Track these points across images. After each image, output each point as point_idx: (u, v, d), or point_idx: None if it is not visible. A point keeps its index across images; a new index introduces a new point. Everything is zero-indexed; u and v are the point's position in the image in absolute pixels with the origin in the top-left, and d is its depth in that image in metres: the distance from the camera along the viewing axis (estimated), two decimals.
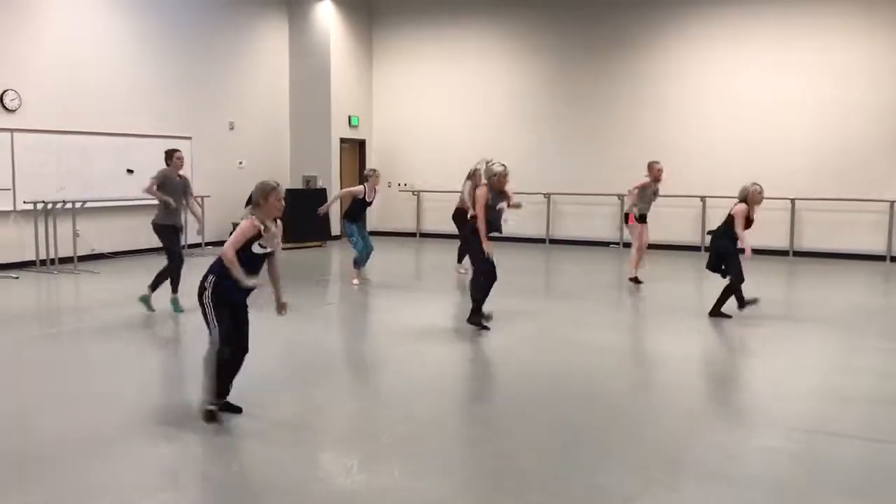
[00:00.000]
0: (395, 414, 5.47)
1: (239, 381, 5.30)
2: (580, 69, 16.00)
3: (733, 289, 8.78)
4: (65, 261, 12.30)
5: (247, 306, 5.33)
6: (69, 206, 12.20)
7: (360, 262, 11.05)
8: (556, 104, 16.29)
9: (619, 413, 5.56)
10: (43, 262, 12.16)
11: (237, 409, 5.24)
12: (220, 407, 5.14)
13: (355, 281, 10.97)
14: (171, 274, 8.82)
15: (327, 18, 16.97)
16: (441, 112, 17.38)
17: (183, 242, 9.30)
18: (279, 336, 7.71)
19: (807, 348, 7.76)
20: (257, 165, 16.44)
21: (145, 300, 8.77)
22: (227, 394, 5.22)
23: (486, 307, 8.07)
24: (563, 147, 16.26)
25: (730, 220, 8.81)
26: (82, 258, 12.59)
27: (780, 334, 8.36)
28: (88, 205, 12.60)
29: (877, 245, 13.79)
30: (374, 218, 18.39)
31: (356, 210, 10.99)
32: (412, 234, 17.80)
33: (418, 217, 17.82)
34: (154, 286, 8.81)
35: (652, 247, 14.87)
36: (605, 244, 15.65)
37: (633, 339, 8.01)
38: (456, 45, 17.16)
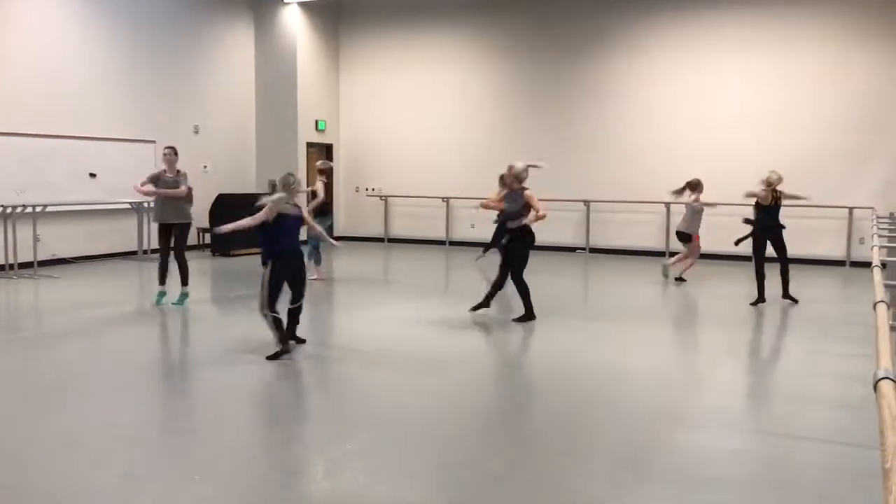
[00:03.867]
0: (362, 418, 5.43)
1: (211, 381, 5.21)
2: (547, 74, 16.09)
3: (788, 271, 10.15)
4: (24, 266, 12.07)
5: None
6: (29, 210, 11.98)
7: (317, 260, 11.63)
8: (523, 108, 16.36)
9: (587, 418, 5.57)
10: (2, 268, 11.92)
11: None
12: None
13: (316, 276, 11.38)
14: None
15: (294, 22, 16.88)
16: (409, 116, 17.37)
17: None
18: (257, 332, 7.64)
19: (769, 352, 7.86)
20: (222, 169, 16.31)
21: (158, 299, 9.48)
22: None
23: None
24: (530, 151, 16.26)
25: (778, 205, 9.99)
26: (42, 263, 12.36)
27: (742, 338, 8.46)
28: (49, 209, 12.37)
29: (836, 250, 14.04)
30: (342, 223, 18.35)
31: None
32: (380, 240, 17.75)
33: (386, 222, 17.78)
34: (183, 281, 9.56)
35: (619, 252, 15.07)
36: (572, 250, 15.74)
37: (600, 344, 8.05)
38: (424, 49, 17.17)
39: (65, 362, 7.02)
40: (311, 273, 11.07)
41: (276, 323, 7.01)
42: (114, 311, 9.58)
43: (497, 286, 8.80)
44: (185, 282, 9.58)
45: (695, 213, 11.74)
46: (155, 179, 9.48)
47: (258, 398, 6.06)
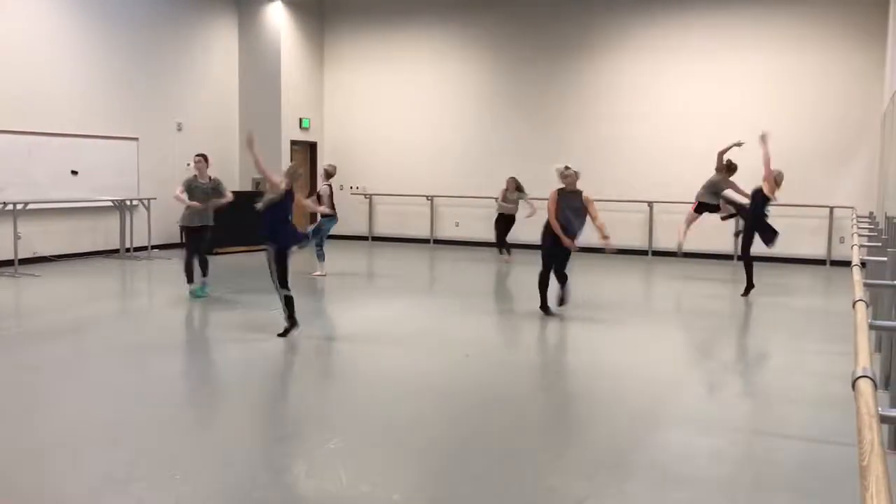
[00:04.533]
0: (345, 417, 5.43)
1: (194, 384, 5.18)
2: (532, 72, 16.11)
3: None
4: (5, 263, 11.96)
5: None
6: (10, 207, 11.87)
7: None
8: (508, 107, 16.38)
9: (569, 416, 5.59)
10: None
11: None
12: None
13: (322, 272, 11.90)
14: (185, 266, 9.94)
15: (278, 19, 16.82)
16: (393, 115, 17.34)
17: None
18: (238, 334, 7.62)
19: (750, 350, 7.91)
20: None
21: (197, 292, 9.84)
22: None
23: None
24: (514, 150, 16.34)
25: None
26: (23, 261, 12.25)
27: (724, 337, 8.51)
28: (31, 206, 12.27)
29: (818, 250, 14.15)
30: None
31: None
32: (364, 238, 17.72)
33: (370, 220, 17.75)
34: (188, 279, 9.91)
35: (604, 251, 15.08)
36: None
37: (584, 342, 8.07)
38: (408, 47, 17.15)
39: (44, 361, 6.95)
40: (316, 269, 11.82)
41: (288, 300, 7.56)
42: (95, 309, 9.52)
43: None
44: (205, 273, 10.07)
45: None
46: (189, 185, 9.89)
47: (240, 396, 6.03)
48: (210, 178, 10.10)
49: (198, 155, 10.24)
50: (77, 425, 5.19)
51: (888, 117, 10.50)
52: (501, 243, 14.20)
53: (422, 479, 4.45)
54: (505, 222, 14.06)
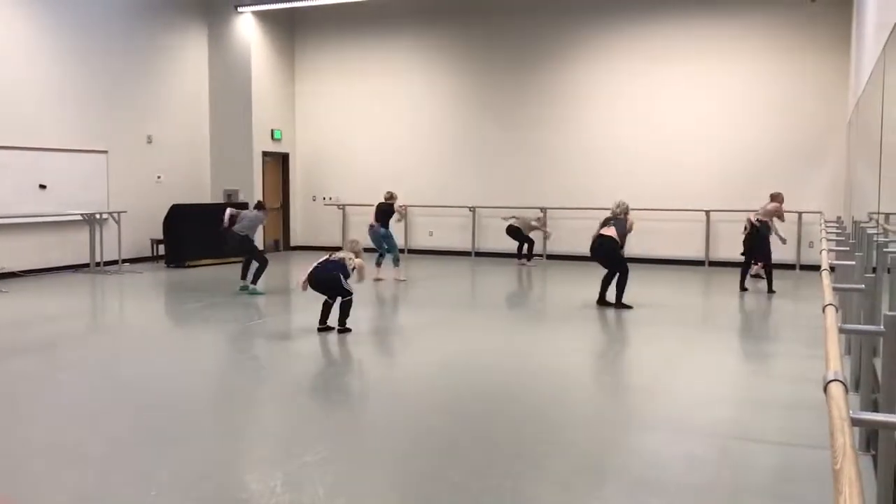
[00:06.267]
0: (321, 430, 5.39)
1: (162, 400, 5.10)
2: (503, 83, 16.19)
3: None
4: None
5: None
6: None
7: (396, 262, 13.07)
8: (480, 117, 16.44)
9: (543, 424, 5.60)
10: None
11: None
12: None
13: (402, 277, 12.95)
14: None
15: (248, 30, 16.77)
16: (365, 125, 17.34)
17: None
18: (212, 347, 7.54)
19: (723, 355, 7.98)
20: (177, 180, 16.11)
21: (252, 291, 11.18)
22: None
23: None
24: (487, 160, 16.41)
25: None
26: None
27: (696, 342, 8.58)
28: None
29: (786, 254, 14.31)
30: (299, 232, 18.23)
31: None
32: (337, 249, 17.62)
33: (343, 231, 17.70)
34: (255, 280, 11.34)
35: (576, 258, 15.19)
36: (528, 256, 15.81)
37: (557, 349, 8.09)
38: (379, 59, 17.16)
39: (14, 377, 6.84)
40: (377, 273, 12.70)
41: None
42: (66, 324, 9.38)
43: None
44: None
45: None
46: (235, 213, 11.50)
47: (213, 411, 5.98)
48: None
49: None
50: (48, 442, 5.10)
51: (853, 124, 10.67)
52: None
53: (399, 489, 4.43)
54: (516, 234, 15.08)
